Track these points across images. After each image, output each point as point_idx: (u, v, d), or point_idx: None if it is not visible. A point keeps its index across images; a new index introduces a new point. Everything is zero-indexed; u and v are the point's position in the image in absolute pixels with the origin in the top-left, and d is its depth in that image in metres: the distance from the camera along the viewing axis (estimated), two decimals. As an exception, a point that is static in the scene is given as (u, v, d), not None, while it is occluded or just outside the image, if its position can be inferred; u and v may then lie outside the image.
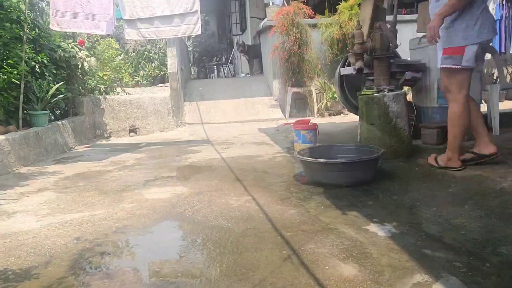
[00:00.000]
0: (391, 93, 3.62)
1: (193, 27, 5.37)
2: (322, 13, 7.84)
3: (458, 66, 2.99)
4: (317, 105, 7.42)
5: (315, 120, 6.62)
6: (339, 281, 1.65)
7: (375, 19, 3.96)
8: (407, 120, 3.69)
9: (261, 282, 1.67)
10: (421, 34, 4.60)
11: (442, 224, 2.18)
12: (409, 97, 4.96)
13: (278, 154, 4.39)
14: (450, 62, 3.03)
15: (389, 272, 1.70)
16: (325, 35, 7.45)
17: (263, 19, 8.95)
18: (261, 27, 8.86)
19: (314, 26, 7.57)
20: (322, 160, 3.04)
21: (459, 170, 3.09)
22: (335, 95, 7.05)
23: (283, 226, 2.28)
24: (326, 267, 1.77)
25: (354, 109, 4.90)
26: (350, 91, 4.92)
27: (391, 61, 3.91)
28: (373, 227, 2.18)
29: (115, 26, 5.75)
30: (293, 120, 4.97)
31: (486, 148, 3.14)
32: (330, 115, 7.43)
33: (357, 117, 4.00)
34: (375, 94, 3.66)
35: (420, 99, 4.56)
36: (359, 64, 3.91)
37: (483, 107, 4.92)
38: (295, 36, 7.21)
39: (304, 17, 7.40)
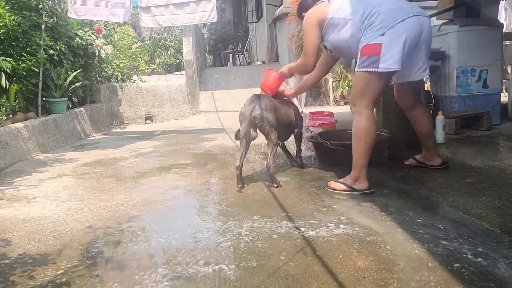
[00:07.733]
0: (408, 82, 3.55)
1: (209, 14, 5.35)
2: (340, 0, 7.70)
3: None
4: (333, 93, 7.35)
5: (331, 108, 6.56)
6: (353, 270, 1.65)
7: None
8: (424, 109, 3.62)
9: (276, 271, 1.68)
10: (440, 21, 4.49)
11: (459, 215, 2.16)
12: (427, 86, 4.87)
13: (292, 142, 4.37)
14: None
15: (403, 261, 1.69)
16: (342, 22, 7.33)
17: (279, 6, 8.85)
18: (277, 14, 8.76)
19: (331, 13, 7.45)
20: (329, 143, 3.05)
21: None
22: (351, 84, 6.96)
23: (297, 215, 2.28)
24: (340, 256, 1.77)
25: (371, 98, 4.83)
26: (366, 80, 4.84)
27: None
28: (387, 217, 2.17)
29: (131, 14, 5.77)
30: (307, 109, 4.93)
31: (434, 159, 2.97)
32: (346, 103, 7.34)
33: (374, 106, 3.95)
34: (391, 83, 3.60)
35: (439, 88, 4.47)
36: (376, 52, 3.83)
37: (504, 97, 4.81)
38: (311, 23, 7.11)
39: (322, 4, 7.26)
